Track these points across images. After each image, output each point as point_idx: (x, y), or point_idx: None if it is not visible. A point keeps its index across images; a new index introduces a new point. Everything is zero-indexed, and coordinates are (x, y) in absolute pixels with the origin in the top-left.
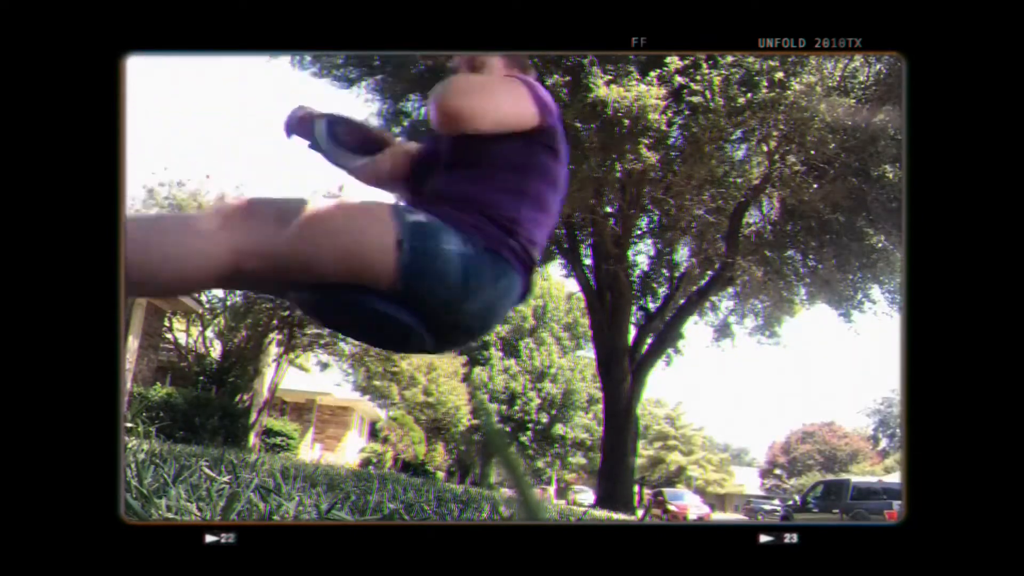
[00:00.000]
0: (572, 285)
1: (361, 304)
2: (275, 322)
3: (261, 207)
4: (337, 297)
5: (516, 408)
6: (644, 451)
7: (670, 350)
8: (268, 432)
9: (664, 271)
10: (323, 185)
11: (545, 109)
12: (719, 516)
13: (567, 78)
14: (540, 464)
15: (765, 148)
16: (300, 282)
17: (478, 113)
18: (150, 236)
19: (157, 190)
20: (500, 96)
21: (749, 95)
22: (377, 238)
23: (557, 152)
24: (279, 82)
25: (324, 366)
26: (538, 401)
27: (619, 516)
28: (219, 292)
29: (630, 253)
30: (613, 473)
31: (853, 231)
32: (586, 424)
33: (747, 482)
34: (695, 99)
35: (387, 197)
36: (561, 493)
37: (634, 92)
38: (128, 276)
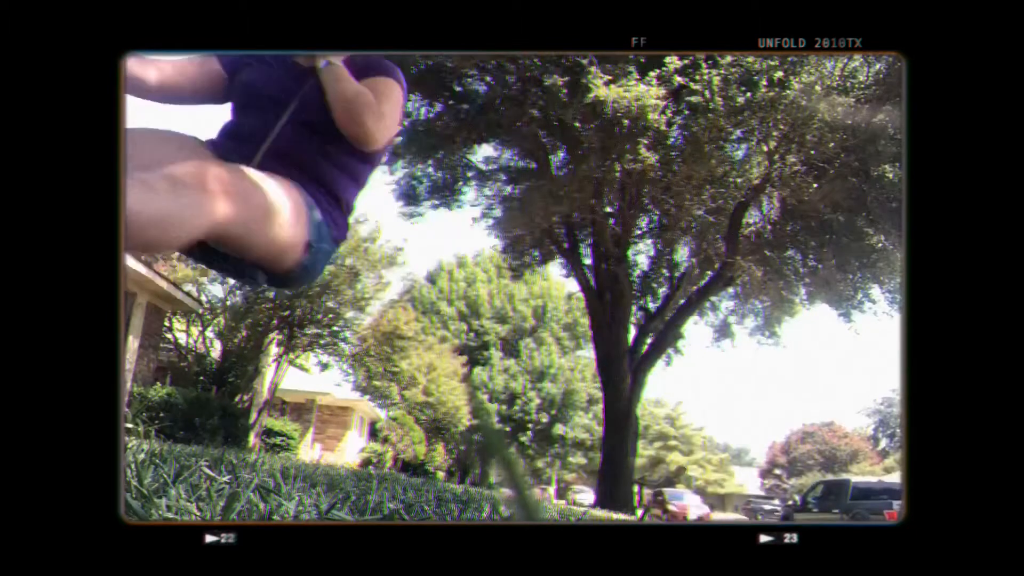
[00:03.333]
0: (572, 285)
1: (252, 276)
2: (275, 322)
3: (237, 186)
4: (239, 267)
5: (516, 408)
6: (644, 451)
7: (670, 350)
8: (268, 432)
9: (664, 271)
10: None
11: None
12: (719, 516)
13: (567, 78)
14: (540, 464)
15: (765, 148)
16: (221, 251)
17: (383, 140)
18: (143, 195)
19: None
20: (396, 117)
21: (749, 95)
22: (297, 239)
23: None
24: None
25: (324, 366)
26: (538, 401)
27: (619, 516)
28: (219, 292)
29: (630, 253)
30: (613, 473)
31: (853, 231)
32: (586, 424)
33: (747, 482)
34: (695, 99)
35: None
36: (561, 493)
37: (634, 92)
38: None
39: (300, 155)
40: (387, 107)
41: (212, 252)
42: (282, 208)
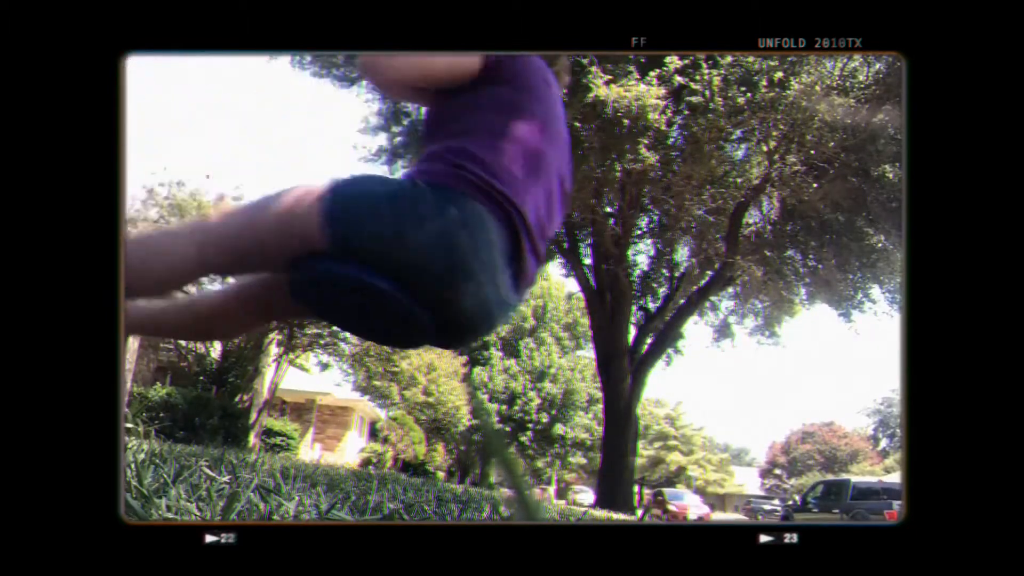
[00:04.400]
0: (572, 285)
1: (318, 271)
2: (275, 322)
3: (224, 209)
4: (297, 271)
5: (516, 408)
6: (644, 451)
7: (670, 350)
8: (268, 432)
9: (664, 271)
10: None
11: (494, 58)
12: (719, 516)
13: (567, 78)
14: (540, 464)
15: (765, 148)
16: (263, 265)
17: (394, 64)
18: (135, 246)
19: (157, 190)
20: (414, 59)
21: (749, 95)
22: (303, 199)
23: (515, 82)
24: (279, 82)
25: (324, 366)
26: (538, 401)
27: (619, 516)
28: None
29: (630, 253)
30: (613, 473)
31: (853, 231)
32: (586, 424)
33: (747, 482)
34: (695, 99)
35: None
36: (561, 493)
37: (634, 92)
38: (125, 282)
39: (431, 133)
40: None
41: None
42: (275, 194)
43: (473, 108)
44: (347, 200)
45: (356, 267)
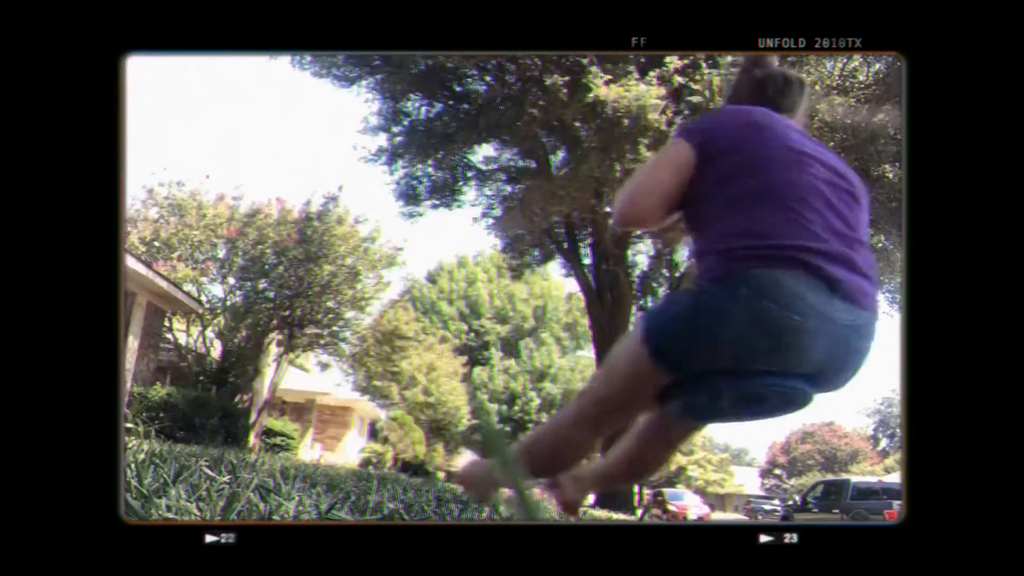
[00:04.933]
0: (572, 285)
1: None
2: (275, 322)
3: (589, 393)
4: (679, 400)
5: (516, 408)
6: None
7: None
8: (268, 432)
9: (664, 271)
10: (322, 184)
11: (698, 139)
12: (719, 516)
13: (567, 78)
14: None
15: None
16: (631, 415)
17: (631, 219)
18: (546, 442)
19: (157, 190)
20: (644, 188)
21: None
22: (631, 353)
23: (728, 152)
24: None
25: (324, 366)
26: (538, 401)
27: (619, 516)
28: (219, 292)
29: (630, 253)
30: None
31: None
32: None
33: (747, 482)
34: (695, 99)
35: None
36: None
37: (634, 92)
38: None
39: (692, 233)
40: (640, 175)
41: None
42: (609, 370)
43: (703, 195)
44: (660, 334)
45: (730, 379)
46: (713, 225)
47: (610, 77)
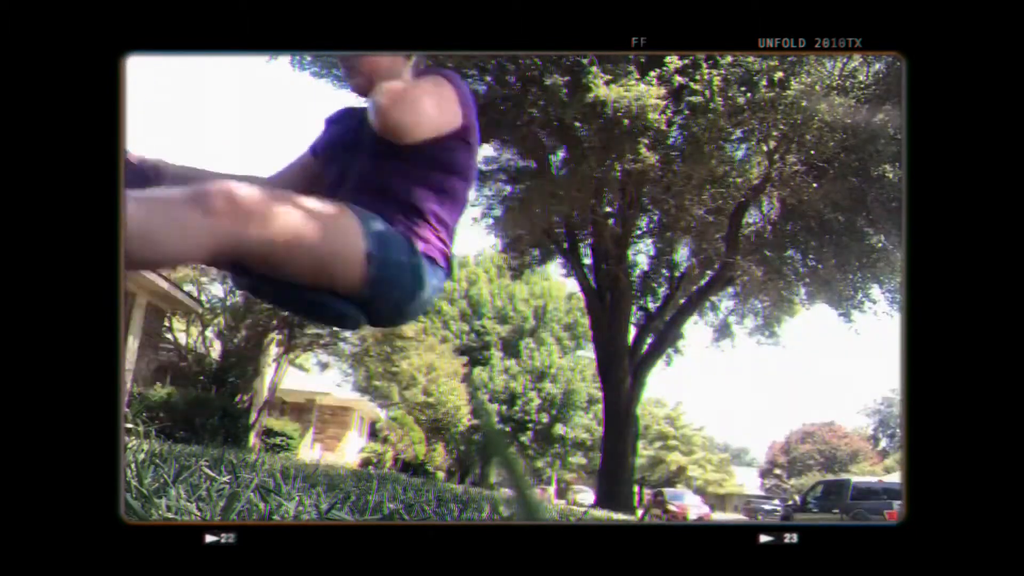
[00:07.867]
0: (572, 285)
1: (322, 304)
2: (275, 322)
3: (243, 203)
4: (300, 295)
5: (516, 408)
6: (644, 451)
7: (670, 350)
8: (268, 432)
9: (664, 271)
10: None
11: (467, 106)
12: (719, 516)
13: (567, 78)
14: (540, 464)
15: (765, 148)
16: (265, 275)
17: (416, 127)
18: (140, 217)
19: None
20: (433, 106)
21: (749, 95)
22: (349, 251)
23: (472, 147)
24: (279, 82)
25: (324, 366)
26: (538, 401)
27: (619, 516)
28: (219, 292)
29: (630, 253)
30: (613, 473)
31: (853, 231)
32: (586, 424)
33: (747, 482)
34: (695, 99)
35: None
36: (561, 493)
37: (634, 92)
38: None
39: (380, 182)
40: (419, 95)
41: (282, 287)
42: (316, 224)
43: (435, 160)
44: (387, 269)
45: (356, 308)
46: (430, 195)
47: (610, 77)
